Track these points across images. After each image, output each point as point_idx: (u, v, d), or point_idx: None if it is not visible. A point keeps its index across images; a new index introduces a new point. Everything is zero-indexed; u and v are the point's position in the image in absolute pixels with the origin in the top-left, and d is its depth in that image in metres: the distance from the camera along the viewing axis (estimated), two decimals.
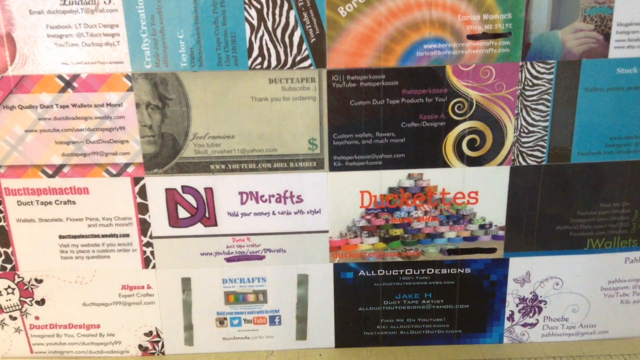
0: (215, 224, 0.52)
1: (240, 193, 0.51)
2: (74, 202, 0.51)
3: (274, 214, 0.52)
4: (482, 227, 0.53)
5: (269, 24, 0.46)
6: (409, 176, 0.51)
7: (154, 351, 0.56)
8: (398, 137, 0.50)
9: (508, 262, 0.54)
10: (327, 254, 0.53)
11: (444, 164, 0.50)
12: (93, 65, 0.47)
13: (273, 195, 0.51)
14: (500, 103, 0.49)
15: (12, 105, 0.48)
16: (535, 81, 0.48)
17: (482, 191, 0.52)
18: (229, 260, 0.53)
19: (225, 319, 0.56)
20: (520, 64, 0.48)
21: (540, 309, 0.56)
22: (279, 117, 0.49)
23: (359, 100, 0.48)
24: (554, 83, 0.48)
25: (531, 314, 0.56)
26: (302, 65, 0.47)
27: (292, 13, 0.46)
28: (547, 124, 0.49)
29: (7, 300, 0.54)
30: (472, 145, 0.50)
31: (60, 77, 0.47)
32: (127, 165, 0.50)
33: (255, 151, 0.50)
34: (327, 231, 0.53)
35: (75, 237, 0.52)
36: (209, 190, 0.51)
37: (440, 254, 0.54)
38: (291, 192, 0.51)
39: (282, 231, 0.52)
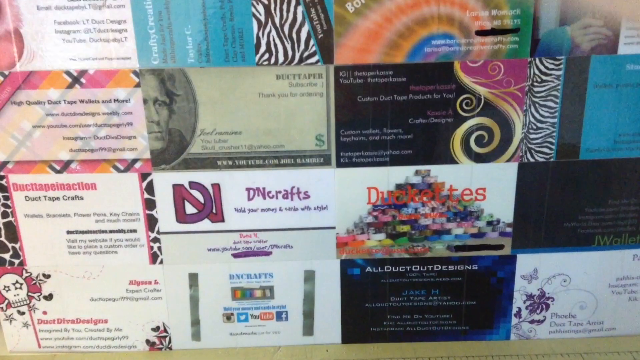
0: (223, 220, 0.52)
1: (248, 189, 0.51)
2: (81, 198, 0.51)
3: (281, 210, 0.52)
4: (489, 223, 0.53)
5: (277, 19, 0.46)
6: (417, 172, 0.51)
7: (161, 346, 0.56)
8: (405, 134, 0.49)
9: (515, 259, 0.54)
10: (334, 250, 0.53)
11: (452, 161, 0.50)
12: (101, 61, 0.47)
13: (280, 192, 0.51)
14: (508, 99, 0.48)
15: (20, 101, 0.48)
16: (544, 77, 0.48)
17: (490, 188, 0.51)
18: (236, 256, 0.53)
19: (232, 314, 0.56)
20: (529, 60, 0.47)
21: (547, 306, 0.56)
22: (286, 113, 0.49)
23: (367, 97, 0.48)
24: (563, 79, 0.48)
25: (538, 311, 0.56)
26: (309, 61, 0.47)
27: (300, 9, 0.46)
28: (555, 120, 0.49)
29: (15, 295, 0.54)
30: (480, 141, 0.50)
31: (67, 72, 0.47)
32: (134, 161, 0.50)
33: (262, 147, 0.50)
34: (334, 227, 0.53)
35: (82, 232, 0.52)
36: (216, 186, 0.51)
37: (448, 251, 0.54)
38: (298, 189, 0.51)
39: (289, 227, 0.52)
